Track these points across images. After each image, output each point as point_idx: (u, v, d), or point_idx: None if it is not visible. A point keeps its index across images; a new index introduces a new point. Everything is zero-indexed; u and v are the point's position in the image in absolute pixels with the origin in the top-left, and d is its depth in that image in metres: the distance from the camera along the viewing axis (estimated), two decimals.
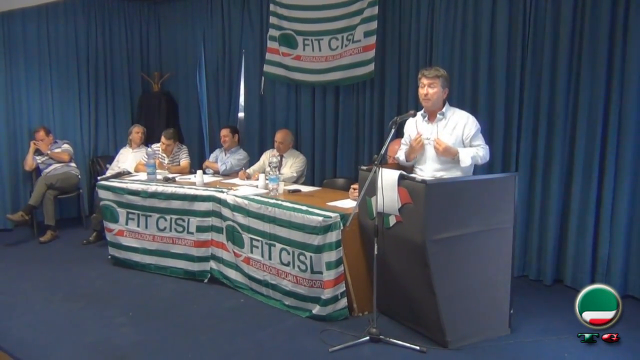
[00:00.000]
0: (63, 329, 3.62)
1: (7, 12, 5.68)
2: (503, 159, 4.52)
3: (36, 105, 6.21)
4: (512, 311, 3.47)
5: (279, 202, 4.00)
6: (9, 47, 5.96)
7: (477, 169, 3.78)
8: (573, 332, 3.33)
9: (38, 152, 5.90)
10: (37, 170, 5.97)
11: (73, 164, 6.06)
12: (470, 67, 4.59)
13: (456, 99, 4.47)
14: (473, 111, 3.63)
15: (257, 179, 4.64)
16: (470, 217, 3.23)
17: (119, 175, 5.23)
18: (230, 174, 5.33)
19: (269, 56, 5.82)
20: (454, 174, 3.52)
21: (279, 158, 5.06)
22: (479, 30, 4.54)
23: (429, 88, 3.51)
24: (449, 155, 3.49)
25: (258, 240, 4.03)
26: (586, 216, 4.15)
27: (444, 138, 3.53)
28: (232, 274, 4.29)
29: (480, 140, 3.55)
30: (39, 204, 5.61)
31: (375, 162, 3.25)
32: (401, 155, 3.79)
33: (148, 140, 6.15)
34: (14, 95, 6.03)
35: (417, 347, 3.24)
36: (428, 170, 3.60)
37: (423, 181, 3.13)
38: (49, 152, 5.86)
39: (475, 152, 3.49)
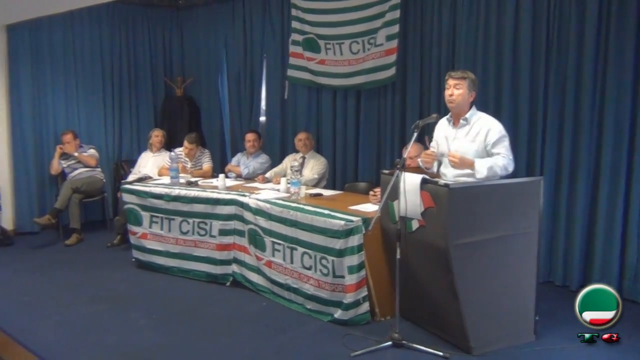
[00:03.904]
0: (87, 330, 3.67)
1: (34, 19, 5.80)
2: (527, 163, 4.44)
3: (62, 111, 6.32)
4: (537, 317, 3.42)
5: (301, 205, 4.00)
6: (36, 53, 6.08)
7: None
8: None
9: (64, 156, 5.99)
10: (63, 174, 6.07)
11: (98, 169, 6.15)
12: (493, 70, 4.54)
13: (479, 103, 4.34)
14: (496, 115, 3.55)
15: (278, 183, 4.65)
16: (495, 222, 3.19)
17: (142, 180, 5.29)
18: (252, 177, 5.35)
19: (292, 61, 5.83)
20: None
21: (301, 161, 5.07)
22: (502, 32, 4.48)
23: (454, 89, 3.42)
24: (466, 167, 3.35)
25: (280, 244, 4.03)
26: (613, 221, 4.06)
27: (465, 147, 3.40)
28: (254, 277, 4.30)
29: (502, 149, 3.33)
30: (64, 207, 5.70)
31: (398, 166, 3.23)
32: (421, 163, 3.74)
33: (171, 145, 6.21)
34: (41, 100, 6.15)
35: (441, 353, 3.20)
36: (449, 174, 3.53)
37: (446, 185, 3.10)
38: (76, 153, 5.94)
39: (494, 161, 3.28)
